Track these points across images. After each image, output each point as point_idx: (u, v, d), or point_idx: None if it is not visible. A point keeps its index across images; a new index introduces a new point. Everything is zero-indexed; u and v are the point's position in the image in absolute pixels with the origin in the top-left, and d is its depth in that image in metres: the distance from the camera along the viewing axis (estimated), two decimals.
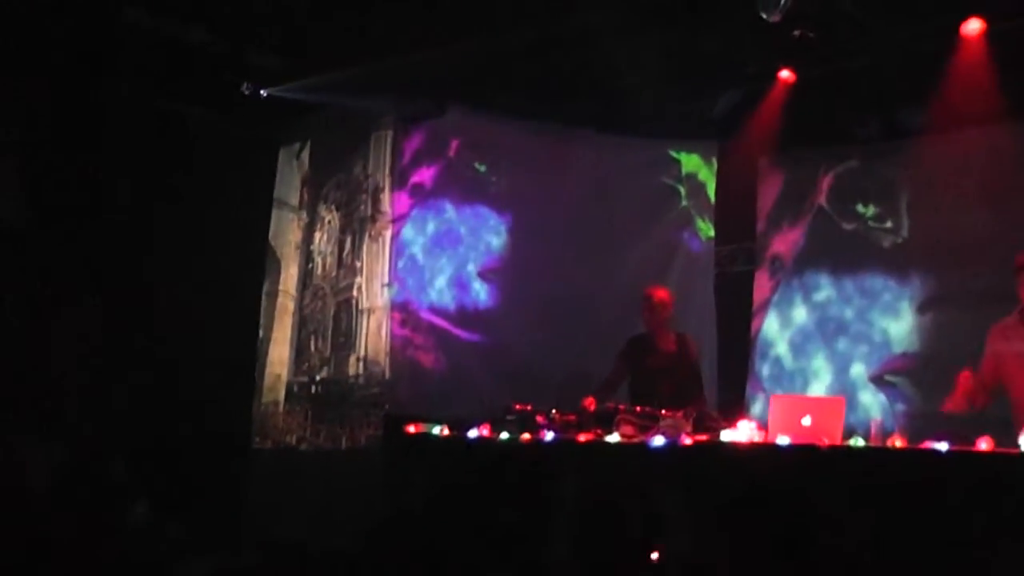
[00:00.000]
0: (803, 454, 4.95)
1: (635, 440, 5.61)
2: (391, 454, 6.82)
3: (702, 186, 8.79)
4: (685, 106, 8.35)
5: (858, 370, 8.17)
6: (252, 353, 8.55)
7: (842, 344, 8.34)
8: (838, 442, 5.07)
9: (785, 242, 8.75)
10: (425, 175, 7.74)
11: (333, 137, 8.40)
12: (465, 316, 7.84)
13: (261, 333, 8.61)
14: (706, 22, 7.16)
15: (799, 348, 8.59)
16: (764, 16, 6.38)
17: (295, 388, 8.31)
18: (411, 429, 6.49)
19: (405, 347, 7.53)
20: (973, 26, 6.54)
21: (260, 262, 8.63)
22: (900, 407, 7.91)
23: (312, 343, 8.21)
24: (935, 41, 7.02)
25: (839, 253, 8.46)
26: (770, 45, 7.45)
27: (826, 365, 8.43)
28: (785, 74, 7.61)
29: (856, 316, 8.33)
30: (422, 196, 7.72)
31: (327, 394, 7.96)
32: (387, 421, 7.23)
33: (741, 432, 5.37)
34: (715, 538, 4.93)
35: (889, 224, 8.24)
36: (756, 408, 8.40)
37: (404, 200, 7.68)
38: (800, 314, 8.63)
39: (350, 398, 7.70)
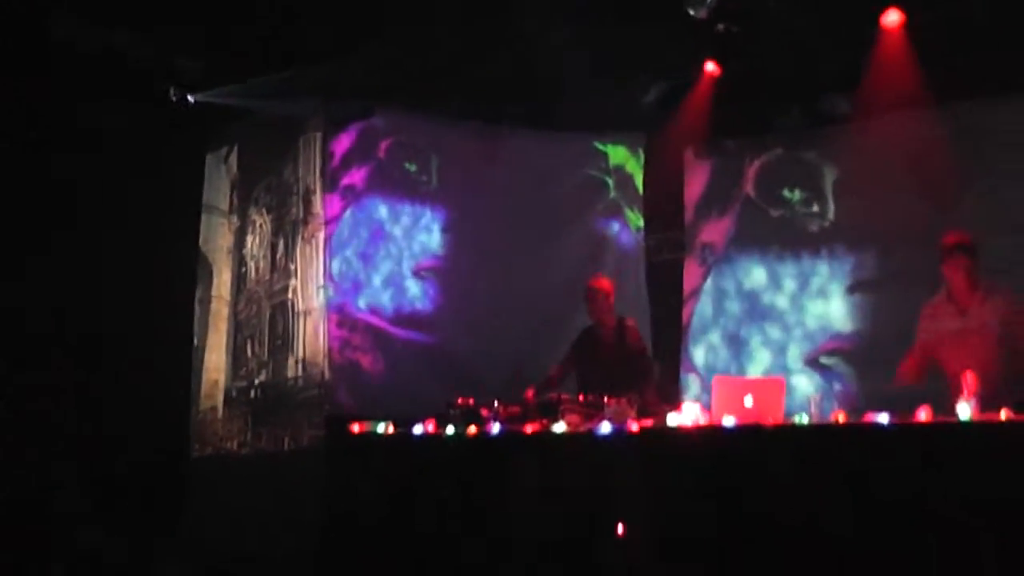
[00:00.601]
0: (749, 433, 5.07)
1: (582, 429, 5.68)
2: (335, 454, 6.78)
3: (630, 177, 8.92)
4: (612, 99, 8.42)
5: (793, 353, 8.32)
6: (187, 360, 8.42)
7: (775, 328, 8.48)
8: (780, 421, 5.20)
9: (714, 230, 8.90)
10: (356, 176, 7.69)
11: (261, 140, 8.32)
12: (402, 315, 7.83)
13: (196, 340, 8.48)
14: (633, 15, 7.27)
15: (732, 333, 8.71)
16: (691, 13, 6.49)
17: (234, 393, 8.20)
18: (355, 428, 6.49)
19: (343, 348, 7.48)
20: (892, 17, 6.72)
21: (191, 268, 8.50)
22: (836, 388, 8.12)
23: (249, 347, 8.10)
24: (855, 31, 7.23)
25: (768, 239, 8.63)
26: (695, 38, 7.61)
27: (760, 349, 8.56)
28: (710, 67, 7.72)
29: (788, 300, 8.48)
30: (354, 197, 7.67)
31: (266, 398, 7.87)
32: (329, 422, 7.17)
33: (687, 415, 5.47)
34: (670, 519, 5.01)
35: (816, 208, 8.43)
36: (691, 392, 8.55)
37: (336, 202, 7.62)
38: (732, 300, 8.77)
39: (290, 401, 7.62)
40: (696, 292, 8.94)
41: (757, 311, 8.64)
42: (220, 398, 8.26)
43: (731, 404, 5.34)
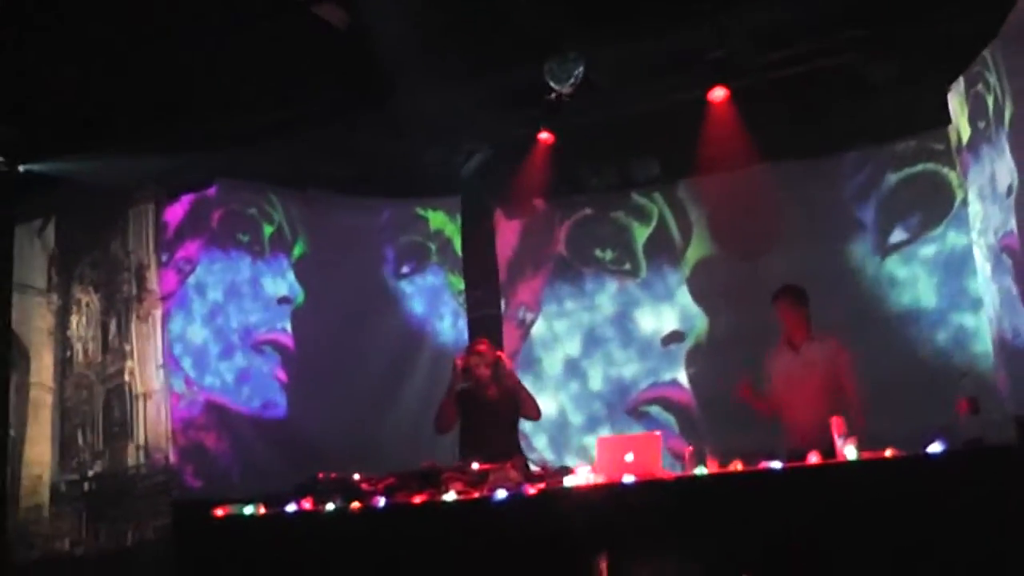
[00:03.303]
0: (651, 487, 5.30)
1: (475, 495, 5.70)
2: (187, 543, 6.41)
3: (449, 241, 9.06)
4: (431, 164, 8.55)
5: (614, 403, 8.75)
6: (2, 455, 7.61)
7: (596, 380, 8.88)
8: (658, 474, 5.48)
9: (528, 289, 9.22)
10: (190, 249, 7.35)
11: (83, 212, 7.78)
12: (243, 391, 7.52)
13: (12, 432, 7.69)
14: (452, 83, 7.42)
15: (553, 393, 9.03)
16: (555, 88, 6.70)
17: (63, 488, 7.52)
18: (219, 512, 6.17)
19: (187, 429, 7.10)
20: (718, 93, 7.26)
21: (3, 353, 7.74)
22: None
23: (80, 437, 7.46)
24: (668, 102, 7.74)
25: (582, 296, 9.06)
26: (523, 104, 7.88)
27: (579, 402, 8.94)
28: (544, 135, 7.95)
29: (602, 354, 8.90)
30: (190, 271, 7.33)
31: (103, 490, 7.28)
32: (176, 509, 6.80)
33: (580, 476, 5.64)
34: None
35: (628, 266, 8.93)
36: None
37: (171, 276, 7.26)
38: (551, 360, 9.09)
39: (132, 491, 7.09)
40: (515, 353, 9.16)
41: (576, 366, 9.03)
42: (46, 495, 7.54)
43: (613, 461, 5.60)
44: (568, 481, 5.57)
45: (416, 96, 7.28)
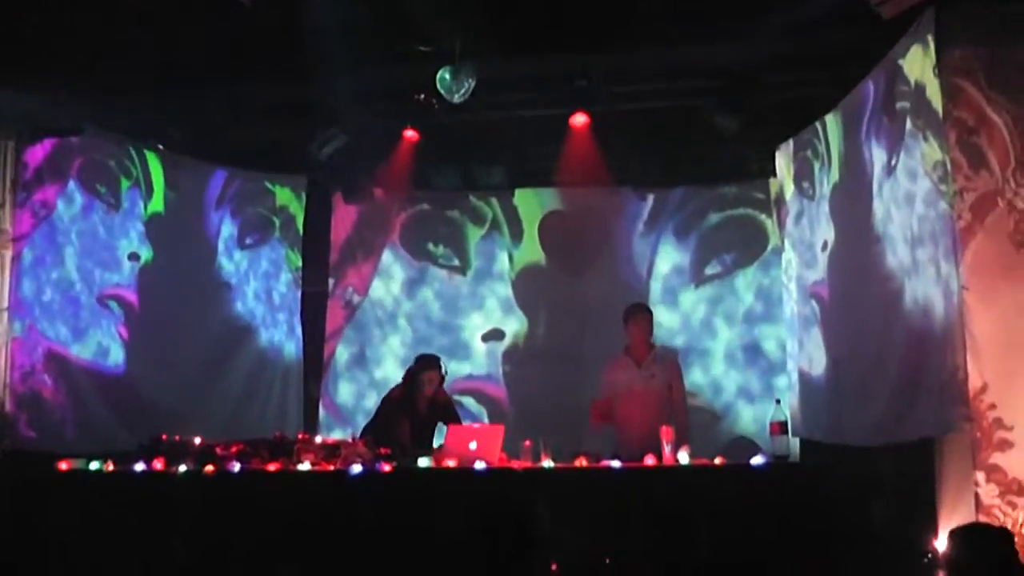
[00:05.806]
0: (499, 475, 5.76)
1: (329, 468, 5.99)
2: (17, 495, 6.26)
3: (292, 218, 9.23)
4: (287, 143, 8.69)
5: None
6: None
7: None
8: (496, 462, 5.97)
9: (358, 274, 9.53)
10: (48, 193, 7.11)
11: None
12: (85, 344, 7.39)
13: None
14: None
15: (372, 374, 9.41)
16: (446, 97, 7.04)
17: None
18: (63, 466, 6.14)
19: (26, 377, 6.92)
20: (579, 119, 7.86)
21: None
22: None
23: None
24: (519, 116, 8.30)
25: (410, 284, 9.48)
26: (380, 98, 8.21)
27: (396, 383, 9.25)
28: (410, 133, 8.32)
29: (422, 341, 9.21)
30: (45, 215, 7.14)
31: None
32: (5, 458, 6.68)
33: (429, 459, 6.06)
34: (433, 557, 5.52)
35: (457, 263, 9.42)
36: (331, 430, 9.00)
37: (26, 218, 7.01)
38: (373, 342, 9.46)
39: None
40: (338, 332, 9.49)
41: (396, 350, 9.37)
42: None
43: (460, 447, 6.07)
44: (423, 462, 6.00)
45: (295, 77, 7.46)
